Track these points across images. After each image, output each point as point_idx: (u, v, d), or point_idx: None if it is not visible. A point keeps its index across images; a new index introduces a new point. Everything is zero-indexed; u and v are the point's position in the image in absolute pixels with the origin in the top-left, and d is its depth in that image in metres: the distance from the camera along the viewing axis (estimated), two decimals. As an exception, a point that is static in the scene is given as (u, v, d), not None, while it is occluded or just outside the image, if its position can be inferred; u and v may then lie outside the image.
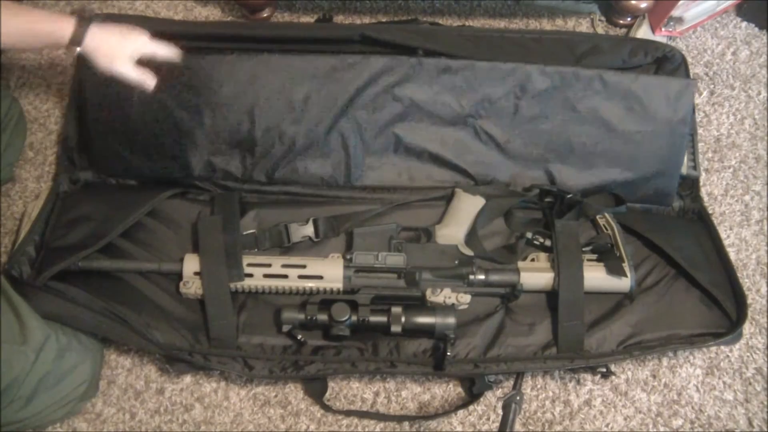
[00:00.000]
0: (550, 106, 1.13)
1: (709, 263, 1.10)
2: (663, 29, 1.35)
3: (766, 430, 1.06)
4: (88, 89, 1.12)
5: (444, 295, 1.04)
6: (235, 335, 1.05)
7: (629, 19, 1.38)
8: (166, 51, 1.02)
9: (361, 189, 1.16)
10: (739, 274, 1.09)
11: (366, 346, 1.06)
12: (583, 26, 1.40)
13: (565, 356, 1.04)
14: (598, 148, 1.14)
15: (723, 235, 1.16)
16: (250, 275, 1.04)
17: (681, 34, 1.37)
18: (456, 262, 1.06)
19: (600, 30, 1.39)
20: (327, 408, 1.05)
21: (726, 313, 1.06)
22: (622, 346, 1.05)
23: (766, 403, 1.08)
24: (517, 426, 1.04)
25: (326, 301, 1.01)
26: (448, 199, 1.15)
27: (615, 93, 1.12)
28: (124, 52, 0.98)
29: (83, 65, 1.08)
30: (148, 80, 0.99)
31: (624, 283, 1.06)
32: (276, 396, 1.08)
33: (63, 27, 0.95)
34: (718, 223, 1.19)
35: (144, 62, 0.99)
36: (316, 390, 1.06)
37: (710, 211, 1.19)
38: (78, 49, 0.96)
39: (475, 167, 1.16)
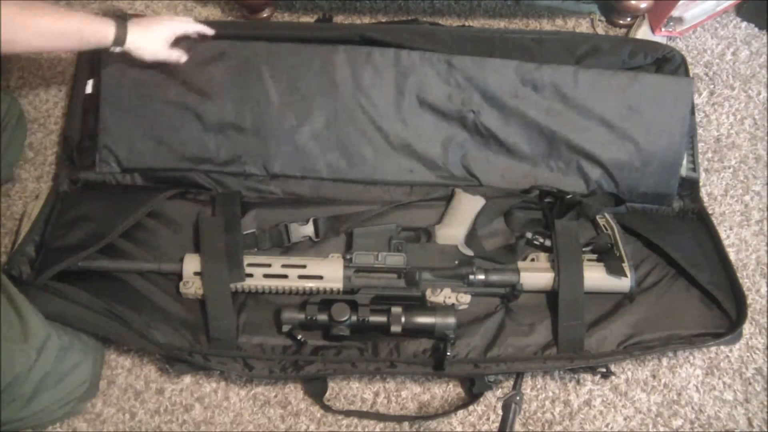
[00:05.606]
0: (549, 103, 1.13)
1: (709, 263, 1.10)
2: (663, 29, 1.35)
3: (766, 430, 1.06)
4: (105, 88, 1.14)
5: (444, 295, 1.04)
6: (235, 335, 1.04)
7: (629, 19, 1.38)
8: (197, 27, 1.11)
9: (361, 184, 1.17)
10: (739, 274, 1.09)
11: (366, 346, 1.06)
12: (583, 26, 1.40)
13: (565, 356, 1.04)
14: (597, 146, 1.14)
15: (723, 235, 1.16)
16: (251, 275, 1.04)
17: (681, 34, 1.37)
18: (456, 262, 1.06)
19: (600, 30, 1.39)
20: (327, 408, 1.05)
21: (726, 313, 1.06)
22: (622, 346, 1.05)
23: (766, 403, 1.08)
24: (517, 426, 1.04)
25: (326, 301, 1.01)
26: (448, 199, 1.15)
27: (616, 91, 1.13)
28: (162, 43, 1.07)
29: (105, 61, 1.14)
30: (182, 58, 1.11)
31: (624, 283, 1.06)
32: (276, 396, 1.08)
33: (105, 28, 1.00)
34: (718, 223, 1.19)
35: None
36: (316, 390, 1.06)
37: (710, 211, 1.19)
38: (119, 48, 1.02)
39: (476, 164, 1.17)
